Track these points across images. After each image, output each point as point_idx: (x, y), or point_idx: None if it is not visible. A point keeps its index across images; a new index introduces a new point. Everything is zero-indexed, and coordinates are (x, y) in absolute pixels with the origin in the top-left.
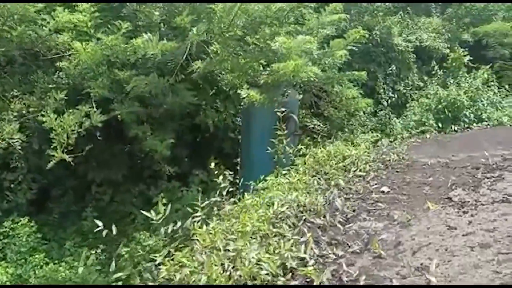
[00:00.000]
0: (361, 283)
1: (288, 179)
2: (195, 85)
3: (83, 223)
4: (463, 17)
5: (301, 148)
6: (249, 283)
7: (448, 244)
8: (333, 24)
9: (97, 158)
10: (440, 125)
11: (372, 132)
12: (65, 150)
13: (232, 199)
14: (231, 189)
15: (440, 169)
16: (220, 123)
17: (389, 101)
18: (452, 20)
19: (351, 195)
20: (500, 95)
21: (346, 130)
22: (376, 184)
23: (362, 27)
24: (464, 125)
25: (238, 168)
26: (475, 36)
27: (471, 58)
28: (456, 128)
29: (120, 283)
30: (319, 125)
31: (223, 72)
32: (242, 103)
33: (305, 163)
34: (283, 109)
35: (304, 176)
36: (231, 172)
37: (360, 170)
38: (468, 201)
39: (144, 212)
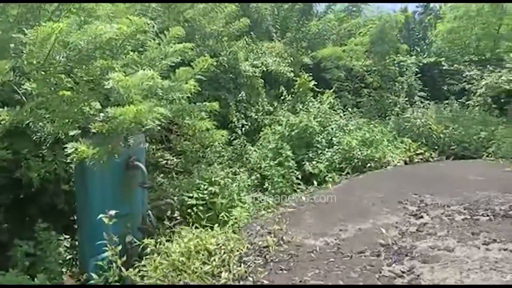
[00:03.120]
0: None
1: None
2: (8, 132)
3: None
4: (300, 41)
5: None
6: None
7: None
8: (177, 53)
9: None
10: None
11: (229, 166)
12: None
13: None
14: (69, 257)
15: (334, 259)
16: (49, 175)
17: (243, 129)
18: (292, 44)
19: None
20: (345, 118)
21: (203, 163)
22: None
23: (208, 53)
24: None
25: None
26: (314, 59)
27: (316, 83)
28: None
29: None
30: (173, 160)
31: (41, 122)
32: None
33: (156, 269)
34: (128, 158)
35: None
36: (67, 236)
37: (234, 275)
38: None
39: None
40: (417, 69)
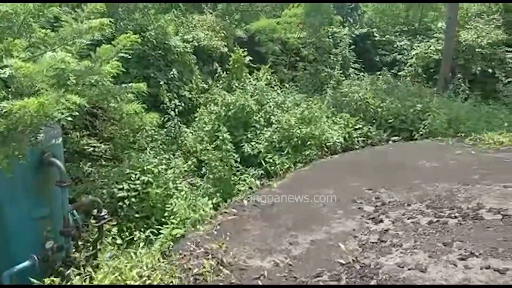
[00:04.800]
0: None
1: None
2: None
3: None
4: (233, 13)
5: None
6: None
7: None
8: (94, 31)
9: None
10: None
11: (163, 151)
12: None
13: None
14: None
15: None
16: None
17: (176, 109)
18: (224, 16)
19: None
20: (282, 95)
21: (134, 149)
22: None
23: (133, 28)
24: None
25: None
26: (248, 32)
27: (251, 58)
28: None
29: None
30: (100, 146)
31: None
32: None
33: None
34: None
35: None
36: None
37: None
38: None
39: None
40: (350, 41)
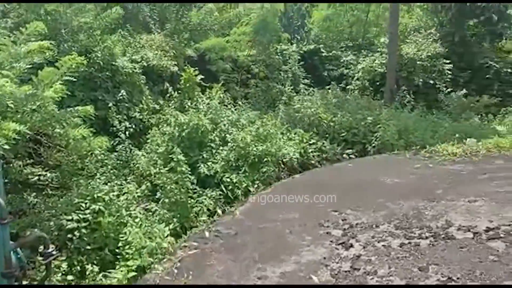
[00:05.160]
0: None
1: None
2: None
3: None
4: (182, 32)
5: None
6: None
7: None
8: (33, 54)
9: None
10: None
11: (115, 176)
12: None
13: None
14: None
15: None
16: None
17: (127, 132)
18: (173, 36)
19: None
20: (236, 113)
21: (82, 177)
22: None
23: (78, 50)
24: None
25: None
26: (198, 51)
27: (203, 77)
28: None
29: None
30: (46, 175)
31: None
32: None
33: None
34: None
35: None
36: None
37: None
38: None
39: None
40: (299, 57)
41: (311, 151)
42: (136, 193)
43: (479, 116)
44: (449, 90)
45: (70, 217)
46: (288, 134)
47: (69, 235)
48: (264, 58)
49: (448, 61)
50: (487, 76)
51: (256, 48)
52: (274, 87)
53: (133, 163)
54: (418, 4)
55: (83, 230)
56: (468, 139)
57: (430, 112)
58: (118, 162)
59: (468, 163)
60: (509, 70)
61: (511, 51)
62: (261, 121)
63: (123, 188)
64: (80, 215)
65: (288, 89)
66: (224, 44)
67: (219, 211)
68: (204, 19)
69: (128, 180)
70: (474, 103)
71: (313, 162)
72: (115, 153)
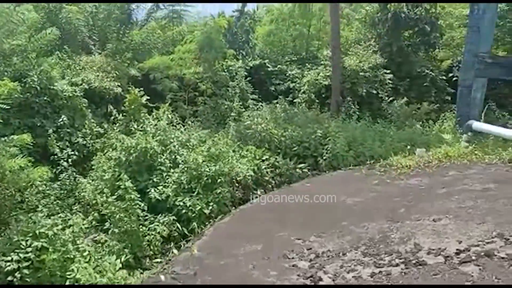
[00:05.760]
0: None
1: None
2: None
3: None
4: (124, 52)
5: None
6: None
7: None
8: None
9: None
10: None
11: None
12: None
13: None
14: None
15: None
16: None
17: (69, 159)
18: (115, 56)
19: None
20: (186, 133)
21: (22, 211)
22: None
23: (11, 75)
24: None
25: None
26: (142, 71)
27: (148, 98)
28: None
29: None
30: None
31: None
32: None
33: None
34: None
35: None
36: None
37: None
38: None
39: None
40: (245, 73)
41: (265, 168)
42: (83, 224)
43: (421, 123)
44: (391, 98)
45: (9, 258)
46: (240, 151)
47: (10, 278)
48: (211, 75)
49: (388, 71)
50: (425, 84)
51: (202, 65)
52: (222, 104)
53: (78, 192)
54: (357, 17)
55: (25, 271)
56: (417, 149)
57: (375, 121)
58: (62, 192)
59: (423, 175)
60: (444, 78)
61: (443, 59)
62: (212, 140)
63: (69, 220)
64: (20, 255)
65: (237, 105)
66: (169, 63)
67: (175, 251)
68: (146, 37)
69: (74, 210)
70: (415, 111)
71: (267, 178)
72: (58, 183)
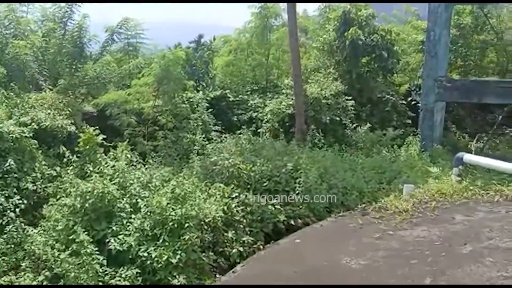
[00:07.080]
0: None
1: None
2: None
3: None
4: (77, 87)
5: None
6: None
7: None
8: None
9: None
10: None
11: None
12: None
13: None
14: None
15: None
16: None
17: (17, 209)
18: (67, 92)
19: None
20: (148, 172)
21: None
22: None
23: None
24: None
25: None
26: (97, 106)
27: (105, 136)
28: None
29: None
30: None
31: None
32: None
33: None
34: None
35: None
36: None
37: None
38: None
39: None
40: (206, 104)
41: (235, 206)
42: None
43: (387, 148)
44: (355, 125)
45: None
46: (207, 190)
47: None
48: (171, 107)
49: (349, 97)
50: (386, 109)
51: (161, 98)
52: (184, 137)
53: (28, 246)
54: (315, 45)
55: None
56: (405, 185)
57: (341, 148)
58: (9, 246)
59: (428, 222)
60: (403, 102)
61: (401, 84)
62: (176, 179)
63: (16, 280)
64: None
65: (200, 137)
66: (126, 97)
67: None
68: (101, 71)
69: (22, 268)
70: (381, 137)
71: (237, 218)
72: (4, 236)
